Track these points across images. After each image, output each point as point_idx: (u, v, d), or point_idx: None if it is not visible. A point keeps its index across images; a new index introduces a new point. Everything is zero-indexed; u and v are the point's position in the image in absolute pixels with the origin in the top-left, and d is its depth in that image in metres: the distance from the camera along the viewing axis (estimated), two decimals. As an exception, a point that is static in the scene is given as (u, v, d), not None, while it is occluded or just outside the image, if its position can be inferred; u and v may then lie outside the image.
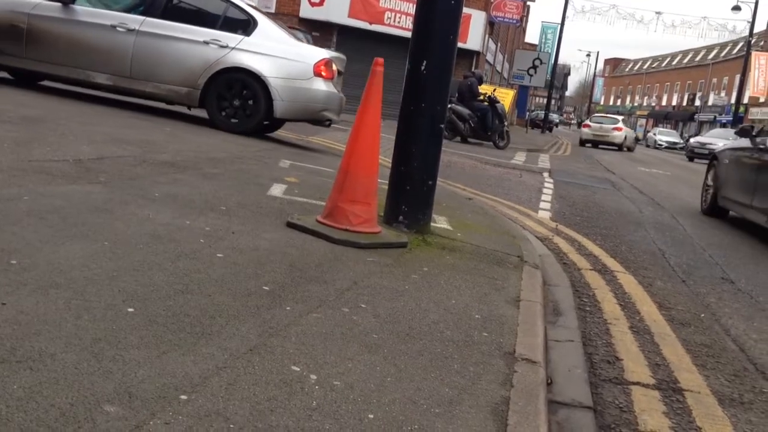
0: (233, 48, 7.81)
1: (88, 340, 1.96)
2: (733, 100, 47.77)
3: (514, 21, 30.31)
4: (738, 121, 45.32)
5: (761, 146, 8.07)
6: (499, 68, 37.68)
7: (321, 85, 7.92)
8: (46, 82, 8.81)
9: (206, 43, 7.84)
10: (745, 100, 47.44)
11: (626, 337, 3.62)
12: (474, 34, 25.38)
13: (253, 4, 8.74)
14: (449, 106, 12.88)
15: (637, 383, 2.99)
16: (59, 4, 7.91)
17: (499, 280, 3.71)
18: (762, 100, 48.16)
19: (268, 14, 8.75)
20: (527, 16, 48.30)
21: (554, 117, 67.15)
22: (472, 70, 21.55)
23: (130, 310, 2.23)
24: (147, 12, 8.04)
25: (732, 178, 8.82)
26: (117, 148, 5.24)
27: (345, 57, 9.00)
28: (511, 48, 42.41)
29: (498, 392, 2.25)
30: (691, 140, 35.15)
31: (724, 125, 53.20)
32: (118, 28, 7.87)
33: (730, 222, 9.22)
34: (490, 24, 29.05)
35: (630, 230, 7.27)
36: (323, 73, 7.89)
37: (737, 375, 3.30)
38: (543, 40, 53.80)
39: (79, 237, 2.85)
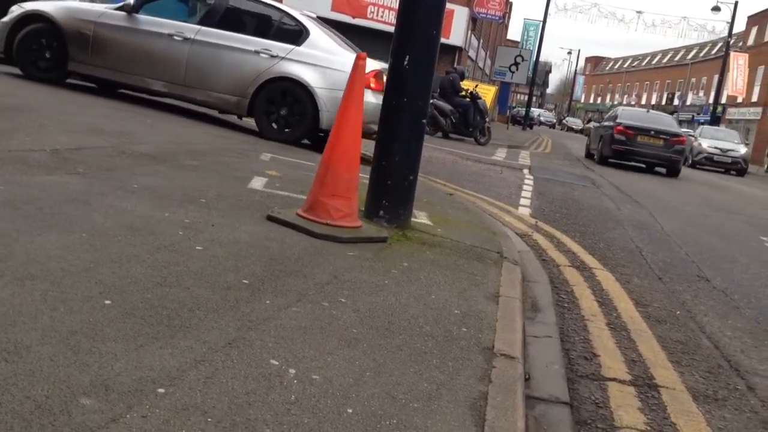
0: (282, 58, 7.81)
1: (65, 332, 1.94)
2: (711, 100, 48.27)
3: (497, 17, 30.39)
4: (715, 120, 45.83)
5: (598, 122, 24.64)
6: (481, 64, 37.78)
7: (369, 97, 7.48)
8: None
9: (257, 52, 7.83)
10: (723, 100, 47.98)
11: (603, 333, 3.66)
12: (457, 30, 25.42)
13: (312, 14, 8.71)
14: (431, 101, 12.89)
15: (614, 379, 3.02)
16: (124, 12, 8.09)
17: (478, 276, 3.72)
18: (740, 99, 48.71)
19: (322, 24, 8.68)
20: (509, 13, 48.47)
21: (546, 114, 66.49)
22: (455, 65, 21.57)
23: (108, 302, 2.22)
24: (204, 21, 8.16)
25: (593, 138, 20.65)
26: (96, 138, 5.19)
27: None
28: (494, 44, 42.54)
29: (476, 387, 2.26)
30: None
31: (701, 125, 53.96)
32: (175, 37, 7.99)
33: (707, 220, 9.34)
34: (473, 20, 29.11)
35: (608, 227, 7.33)
36: (372, 85, 7.66)
37: (711, 372, 3.35)
38: (525, 37, 53.99)
39: (55, 228, 2.82)
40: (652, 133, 17.83)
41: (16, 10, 8.30)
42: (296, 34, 8.05)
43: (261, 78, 7.80)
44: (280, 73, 7.78)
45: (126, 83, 8.38)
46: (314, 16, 8.80)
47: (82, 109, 6.97)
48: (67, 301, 2.15)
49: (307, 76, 7.70)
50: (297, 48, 7.89)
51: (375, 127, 7.78)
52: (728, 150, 26.52)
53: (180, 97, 8.37)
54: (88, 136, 5.20)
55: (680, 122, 61.45)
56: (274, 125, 7.90)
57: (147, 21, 8.10)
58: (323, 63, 7.78)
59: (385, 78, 7.71)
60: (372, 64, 7.81)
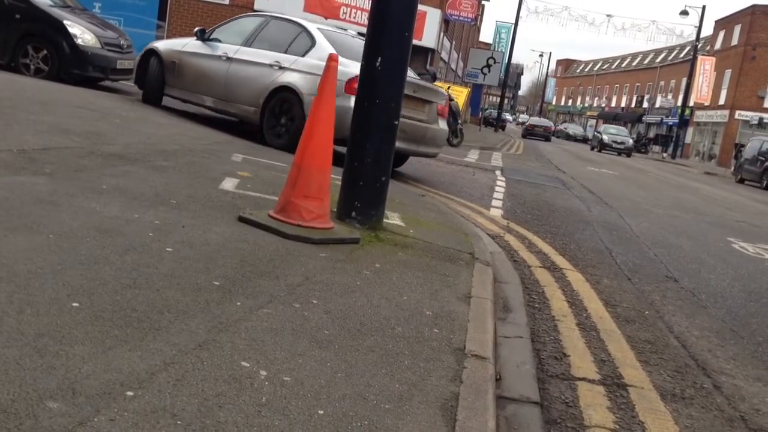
0: (286, 68, 8.16)
1: (31, 335, 1.92)
2: (679, 103, 48.98)
3: (469, 20, 30.50)
4: (684, 123, 46.56)
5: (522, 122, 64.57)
6: (453, 66, 37.90)
7: (352, 103, 7.63)
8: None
9: (270, 65, 8.29)
10: (691, 103, 48.71)
11: (573, 333, 3.69)
12: (429, 32, 25.47)
13: (329, 27, 9.27)
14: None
15: (583, 379, 3.05)
16: (199, 42, 9.30)
17: (450, 277, 3.74)
18: (706, 104, 49.48)
19: (334, 32, 9.13)
20: (482, 15, 48.70)
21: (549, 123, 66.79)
22: (427, 67, 21.62)
23: (75, 304, 2.19)
24: (246, 41, 8.93)
25: (523, 129, 50.28)
26: (64, 138, 5.12)
27: (432, 86, 8.84)
28: (466, 46, 42.71)
29: (447, 388, 2.27)
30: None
31: (670, 127, 54.85)
32: (222, 57, 8.90)
33: (675, 221, 9.47)
34: (445, 22, 29.19)
35: (579, 228, 7.40)
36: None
37: (679, 371, 3.40)
38: (497, 40, 54.31)
39: (22, 229, 2.78)
40: (539, 126, 46.46)
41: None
42: (306, 46, 8.36)
43: (268, 89, 8.15)
44: (281, 82, 8.08)
45: (191, 101, 9.41)
46: (354, 33, 9.40)
47: (50, 108, 6.87)
48: (33, 303, 2.12)
49: (300, 83, 7.88)
50: (301, 58, 8.18)
51: None
52: None
53: (222, 112, 9.10)
54: (56, 136, 5.13)
55: (648, 125, 62.67)
56: (274, 132, 8.14)
57: (210, 46, 9.15)
58: (316, 70, 7.72)
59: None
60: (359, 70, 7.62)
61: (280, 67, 8.20)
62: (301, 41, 8.49)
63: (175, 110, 9.79)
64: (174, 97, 9.69)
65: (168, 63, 9.57)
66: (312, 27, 8.68)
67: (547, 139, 44.43)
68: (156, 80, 9.73)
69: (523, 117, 51.41)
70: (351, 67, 7.52)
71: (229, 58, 8.80)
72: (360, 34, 9.10)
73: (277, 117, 8.09)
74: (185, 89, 9.37)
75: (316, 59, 7.97)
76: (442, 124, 8.82)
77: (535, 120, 51.23)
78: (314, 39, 8.39)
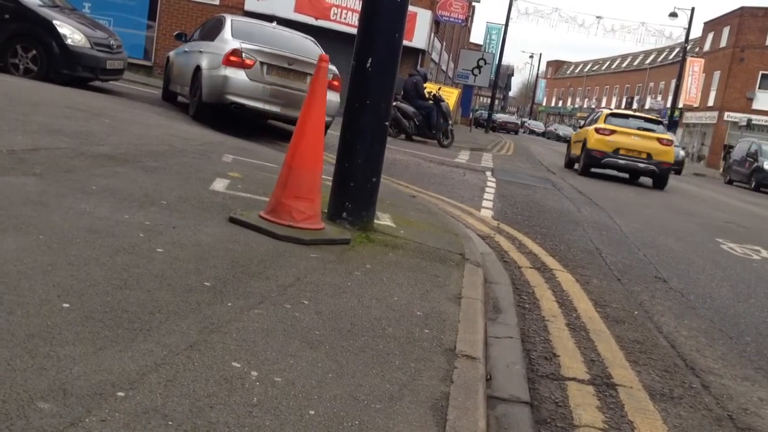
0: (203, 52, 9.82)
1: (22, 335, 1.91)
2: (669, 104, 49.18)
3: (460, 21, 30.56)
4: (673, 124, 46.79)
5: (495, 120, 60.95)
6: (444, 67, 37.97)
7: (228, 72, 9.09)
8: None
9: (197, 52, 10.05)
10: (680, 105, 48.94)
11: (563, 333, 3.71)
12: (420, 33, 25.50)
13: (251, 20, 11.44)
14: (394, 103, 13.02)
15: (573, 379, 3.07)
16: (183, 42, 11.54)
17: (441, 278, 3.75)
18: (695, 105, 49.71)
19: (278, 27, 11.04)
20: (472, 16, 48.81)
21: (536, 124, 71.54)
22: (418, 68, 21.62)
23: (66, 305, 2.18)
24: (198, 36, 10.97)
25: (497, 124, 55.08)
26: (54, 139, 5.10)
27: (294, 55, 9.62)
28: (456, 47, 42.78)
29: (438, 388, 2.28)
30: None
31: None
32: (185, 52, 10.92)
33: (665, 222, 9.52)
34: (436, 23, 29.24)
35: (569, 229, 7.43)
36: (231, 62, 9.09)
37: (668, 371, 3.42)
38: (487, 41, 54.41)
39: (12, 230, 2.77)
40: (510, 122, 57.16)
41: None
42: (217, 33, 10.02)
43: (192, 70, 9.93)
44: (197, 63, 9.74)
45: (174, 92, 11.63)
46: (274, 25, 11.18)
47: (40, 108, 6.84)
48: (24, 304, 2.11)
49: (203, 62, 9.56)
50: (211, 43, 9.88)
51: (232, 99, 9.24)
52: None
53: (185, 96, 10.65)
54: (46, 137, 5.11)
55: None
56: (191, 103, 9.93)
57: (186, 45, 11.18)
58: (212, 50, 9.54)
59: (247, 57, 9.04)
60: (233, 45, 9.29)
61: (200, 52, 9.90)
62: (217, 30, 10.11)
63: (168, 110, 10.02)
64: (173, 91, 11.74)
65: (170, 64, 11.94)
66: (227, 19, 10.30)
67: (516, 132, 56.72)
68: (165, 80, 12.28)
69: (497, 115, 63.04)
70: (231, 44, 9.26)
71: (185, 52, 10.85)
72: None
73: (195, 92, 9.71)
74: (172, 82, 11.56)
75: (219, 42, 9.60)
76: (330, 96, 9.40)
77: (505, 117, 63.94)
78: (224, 26, 9.99)
